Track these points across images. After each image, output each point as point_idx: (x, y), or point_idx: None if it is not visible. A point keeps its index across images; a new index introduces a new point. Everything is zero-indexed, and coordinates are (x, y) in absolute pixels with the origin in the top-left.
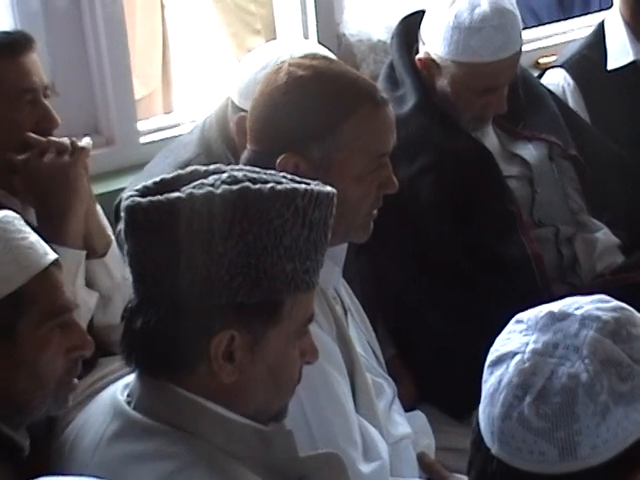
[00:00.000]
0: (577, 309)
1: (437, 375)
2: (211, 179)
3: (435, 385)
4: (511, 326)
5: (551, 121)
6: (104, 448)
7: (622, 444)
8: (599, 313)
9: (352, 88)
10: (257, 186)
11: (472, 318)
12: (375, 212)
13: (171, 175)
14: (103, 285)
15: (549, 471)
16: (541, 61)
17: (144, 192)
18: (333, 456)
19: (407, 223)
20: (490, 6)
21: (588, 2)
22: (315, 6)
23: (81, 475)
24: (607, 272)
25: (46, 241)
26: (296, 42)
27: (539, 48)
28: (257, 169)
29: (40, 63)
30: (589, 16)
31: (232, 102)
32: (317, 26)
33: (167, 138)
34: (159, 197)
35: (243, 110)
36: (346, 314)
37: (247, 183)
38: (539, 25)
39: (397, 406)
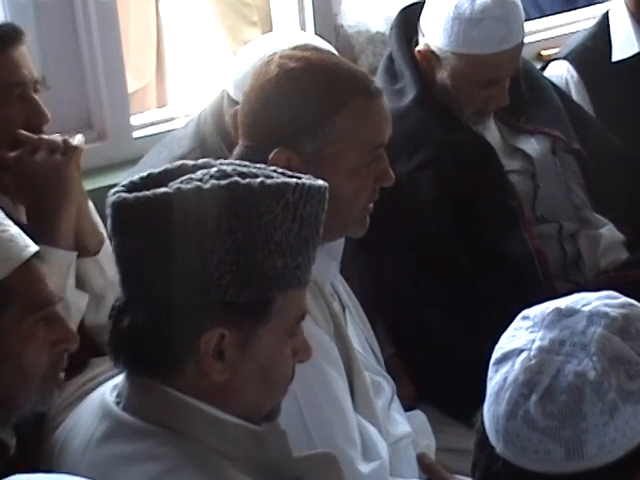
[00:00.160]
0: (584, 305)
1: (437, 375)
2: (199, 174)
3: (435, 385)
4: (517, 322)
5: (554, 114)
6: (93, 449)
7: (630, 443)
8: (607, 309)
9: (345, 79)
10: (246, 181)
11: (472, 316)
12: (371, 206)
13: (158, 170)
14: (96, 284)
15: (555, 471)
16: (543, 53)
17: (131, 187)
18: (329, 456)
19: (406, 219)
20: None
21: None
22: None
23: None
24: (611, 269)
25: (36, 241)
26: (293, 34)
27: (542, 40)
28: (247, 163)
29: (30, 56)
30: (593, 7)
31: (228, 95)
32: (314, 17)
33: (161, 132)
34: (146, 193)
35: (239, 103)
36: (344, 311)
37: (236, 178)
38: (542, 16)
39: (396, 405)
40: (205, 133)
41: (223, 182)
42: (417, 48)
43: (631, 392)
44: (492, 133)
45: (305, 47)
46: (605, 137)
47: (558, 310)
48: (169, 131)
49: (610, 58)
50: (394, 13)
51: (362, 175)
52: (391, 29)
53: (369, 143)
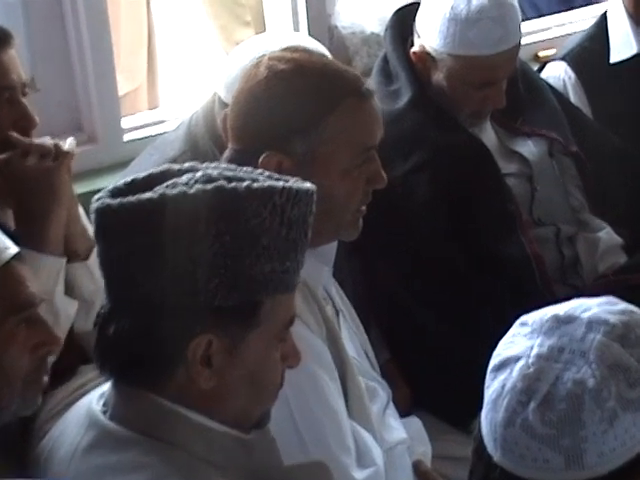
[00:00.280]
0: (584, 312)
1: (434, 381)
2: (185, 178)
3: (432, 391)
4: (515, 329)
5: (551, 116)
6: (79, 459)
7: (630, 452)
8: (607, 316)
9: (336, 80)
10: (232, 185)
11: (467, 318)
12: (364, 208)
13: (143, 175)
14: (85, 289)
15: (553, 479)
16: (541, 54)
17: (115, 193)
18: (320, 465)
19: (400, 222)
20: None
21: None
22: None
23: None
24: (610, 272)
25: (25, 246)
26: (286, 35)
27: (539, 41)
28: (234, 167)
29: (19, 59)
30: (591, 7)
31: (219, 98)
32: (308, 18)
33: (152, 135)
34: (130, 198)
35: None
36: (337, 315)
37: (222, 182)
38: (539, 16)
39: (392, 410)
40: (197, 136)
41: (209, 186)
42: (412, 49)
43: (631, 400)
44: (488, 135)
45: (294, 49)
46: (604, 138)
47: (557, 317)
48: (160, 134)
49: (608, 59)
50: (389, 14)
51: (354, 176)
52: (386, 30)
53: (361, 144)
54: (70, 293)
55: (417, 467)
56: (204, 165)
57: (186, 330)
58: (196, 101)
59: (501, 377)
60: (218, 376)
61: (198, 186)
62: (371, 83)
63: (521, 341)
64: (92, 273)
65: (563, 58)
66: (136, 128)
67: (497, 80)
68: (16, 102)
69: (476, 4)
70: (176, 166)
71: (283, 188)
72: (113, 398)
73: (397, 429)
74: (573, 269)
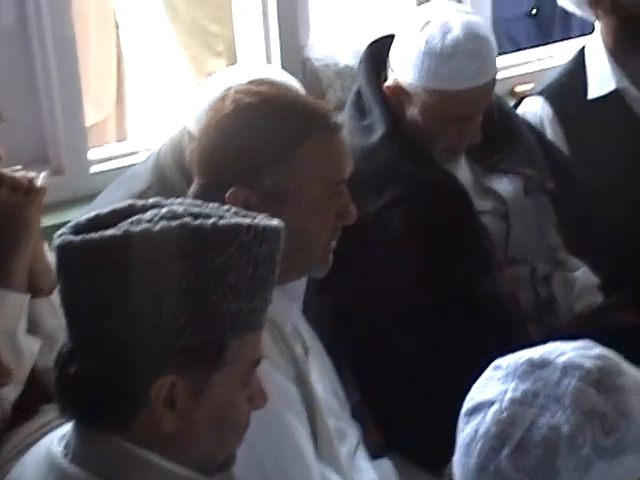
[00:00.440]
0: (559, 356)
1: (406, 423)
2: (149, 214)
3: (404, 433)
4: (489, 372)
5: (528, 153)
6: None
7: None
8: (582, 361)
9: (303, 113)
10: (198, 222)
11: (450, 346)
12: (334, 244)
13: (106, 210)
14: (49, 325)
15: None
16: (517, 89)
17: (77, 229)
18: None
19: (372, 259)
20: (463, 31)
21: (568, 27)
22: (279, 28)
23: None
24: (587, 312)
25: None
26: (257, 67)
27: (516, 75)
28: (200, 202)
29: None
30: (568, 42)
31: (188, 131)
32: (281, 49)
33: (120, 167)
34: (93, 235)
35: None
36: (307, 354)
37: (187, 219)
38: (516, 50)
39: (362, 452)
40: (164, 168)
41: (173, 223)
42: (386, 83)
43: (606, 448)
44: (463, 172)
45: (261, 81)
46: (581, 175)
47: (531, 361)
48: (128, 166)
49: (586, 95)
50: (363, 47)
51: (324, 210)
52: (360, 63)
53: (330, 178)
54: (33, 329)
55: None
56: (169, 201)
57: (150, 371)
58: (165, 133)
59: (474, 422)
60: (182, 418)
61: (163, 223)
62: (344, 117)
63: (495, 385)
64: (55, 309)
65: (540, 93)
66: (103, 160)
67: (472, 115)
68: None
69: (451, 38)
70: (140, 201)
71: (250, 226)
72: (74, 440)
73: (367, 471)
74: (549, 308)
